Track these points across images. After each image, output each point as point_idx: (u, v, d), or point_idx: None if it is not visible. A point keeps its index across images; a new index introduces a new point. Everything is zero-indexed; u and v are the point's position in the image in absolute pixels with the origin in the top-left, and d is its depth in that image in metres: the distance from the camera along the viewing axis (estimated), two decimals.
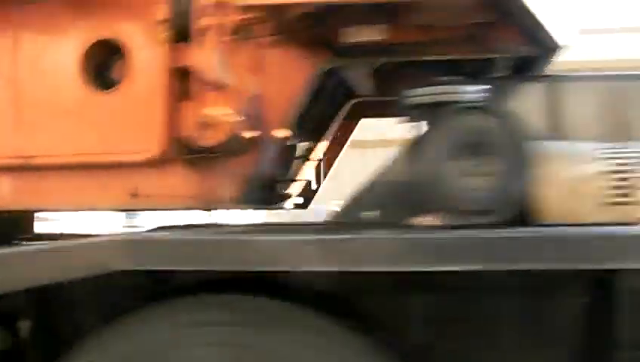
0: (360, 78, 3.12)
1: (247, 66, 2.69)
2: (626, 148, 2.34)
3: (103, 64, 2.77)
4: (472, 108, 2.12)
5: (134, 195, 2.73)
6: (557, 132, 2.64)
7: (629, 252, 1.87)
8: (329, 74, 2.93)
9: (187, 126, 2.55)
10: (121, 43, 2.65)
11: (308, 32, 2.64)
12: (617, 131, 2.62)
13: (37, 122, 2.71)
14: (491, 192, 2.08)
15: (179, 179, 2.73)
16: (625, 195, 2.26)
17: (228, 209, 3.10)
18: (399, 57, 2.76)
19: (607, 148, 2.34)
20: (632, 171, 2.28)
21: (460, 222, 2.07)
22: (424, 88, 2.31)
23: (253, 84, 2.67)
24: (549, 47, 2.65)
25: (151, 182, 2.72)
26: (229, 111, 2.53)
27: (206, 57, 2.59)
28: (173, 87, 2.57)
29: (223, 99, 2.58)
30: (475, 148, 2.10)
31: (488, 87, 2.39)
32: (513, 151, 2.10)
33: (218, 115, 2.52)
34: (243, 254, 1.97)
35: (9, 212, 2.86)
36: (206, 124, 2.53)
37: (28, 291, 2.53)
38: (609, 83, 2.72)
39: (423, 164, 2.10)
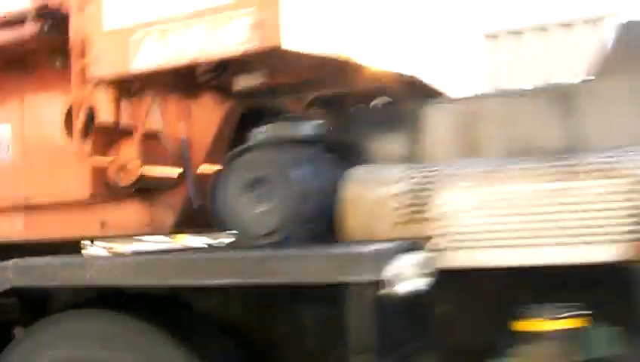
0: (299, 111, 3.51)
1: (174, 116, 3.27)
2: (424, 168, 2.53)
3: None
4: (254, 146, 2.49)
5: (103, 225, 3.45)
6: (418, 154, 2.86)
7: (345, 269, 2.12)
8: (258, 111, 3.38)
9: (110, 171, 3.18)
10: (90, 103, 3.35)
11: (212, 84, 3.13)
12: (471, 150, 2.78)
13: (35, 168, 3.51)
14: (269, 218, 2.42)
15: (131, 212, 3.39)
16: (418, 213, 2.45)
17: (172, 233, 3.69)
18: (281, 97, 3.15)
19: (407, 170, 2.54)
20: (425, 190, 2.46)
21: (251, 243, 2.45)
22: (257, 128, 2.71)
23: (180, 130, 3.24)
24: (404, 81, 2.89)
25: (112, 215, 3.42)
26: (135, 157, 3.13)
27: (136, 112, 3.23)
28: (102, 138, 3.22)
29: (139, 146, 3.18)
30: (256, 181, 2.46)
31: (315, 122, 2.72)
32: (285, 182, 2.42)
33: (127, 161, 3.13)
34: (81, 273, 2.55)
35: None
36: (120, 169, 3.15)
37: (23, 301, 3.35)
38: (463, 105, 2.86)
39: (221, 196, 2.52)
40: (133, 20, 2.64)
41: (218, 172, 2.53)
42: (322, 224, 2.54)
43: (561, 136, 2.67)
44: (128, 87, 2.98)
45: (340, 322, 2.61)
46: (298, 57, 2.57)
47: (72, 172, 3.35)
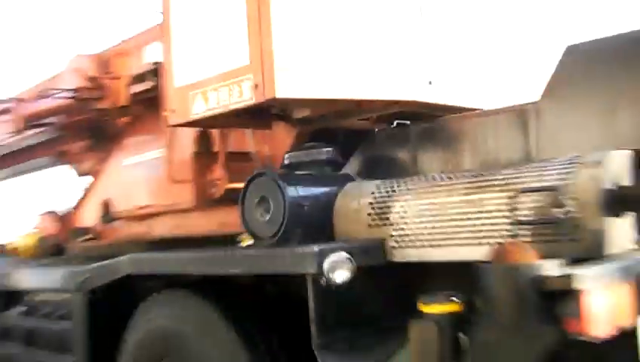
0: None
1: (259, 140, 4.26)
2: (389, 183, 3.21)
3: None
4: (263, 173, 3.36)
5: (218, 225, 4.55)
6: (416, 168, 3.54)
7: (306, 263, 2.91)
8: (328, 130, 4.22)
9: (205, 186, 4.26)
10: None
11: (281, 115, 4.06)
12: (452, 163, 3.40)
13: (174, 183, 4.69)
14: (270, 226, 3.29)
15: (230, 216, 4.43)
16: (381, 219, 3.16)
17: None
18: (325, 124, 3.95)
19: (378, 185, 3.24)
20: (387, 201, 3.16)
21: (259, 243, 3.35)
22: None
23: (263, 150, 4.23)
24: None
25: (220, 218, 4.49)
26: (222, 175, 4.16)
27: (222, 140, 4.29)
28: (202, 161, 4.31)
29: (224, 166, 4.21)
30: (261, 199, 3.34)
31: (328, 149, 3.53)
32: (281, 204, 3.25)
33: (219, 178, 4.18)
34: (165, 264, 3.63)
35: None
36: (212, 185, 4.22)
37: None
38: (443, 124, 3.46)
39: (244, 208, 3.43)
40: (188, 80, 3.65)
41: (243, 189, 3.43)
42: (321, 227, 3.33)
43: (519, 149, 3.18)
44: (206, 125, 4.01)
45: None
46: (302, 101, 3.40)
47: (189, 186, 4.49)
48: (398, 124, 3.89)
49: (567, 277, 2.19)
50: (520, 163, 3.10)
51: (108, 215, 5.51)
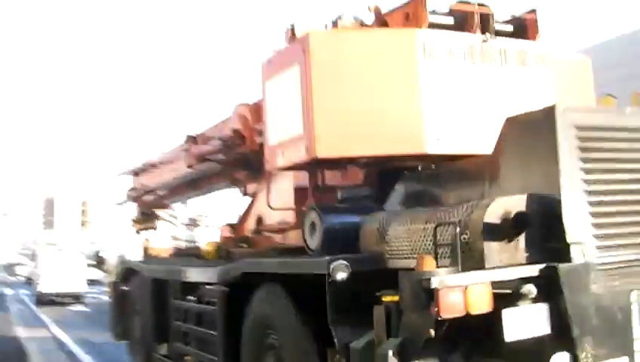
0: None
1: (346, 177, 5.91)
2: (388, 213, 4.69)
3: None
4: (313, 207, 5.00)
5: None
6: (426, 201, 4.97)
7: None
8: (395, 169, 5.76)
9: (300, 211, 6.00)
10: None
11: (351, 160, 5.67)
12: (433, 202, 4.80)
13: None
14: (315, 242, 4.93)
15: None
16: (381, 238, 4.66)
17: None
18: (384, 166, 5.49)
19: (382, 215, 4.74)
20: (384, 226, 4.66)
21: (309, 254, 5.01)
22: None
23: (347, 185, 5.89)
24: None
25: None
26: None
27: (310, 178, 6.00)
28: (300, 193, 6.06)
29: (312, 197, 5.90)
30: (311, 224, 4.98)
31: (364, 188, 5.10)
32: (320, 227, 4.88)
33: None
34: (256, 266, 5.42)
35: None
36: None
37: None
38: (428, 173, 4.86)
39: (304, 230, 5.10)
40: (275, 141, 5.42)
41: (303, 217, 5.10)
42: (352, 244, 4.89)
43: (477, 189, 4.51)
44: (292, 169, 5.73)
45: None
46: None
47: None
48: (422, 167, 5.32)
49: (429, 280, 3.58)
50: (475, 200, 4.41)
51: (258, 228, 7.42)
